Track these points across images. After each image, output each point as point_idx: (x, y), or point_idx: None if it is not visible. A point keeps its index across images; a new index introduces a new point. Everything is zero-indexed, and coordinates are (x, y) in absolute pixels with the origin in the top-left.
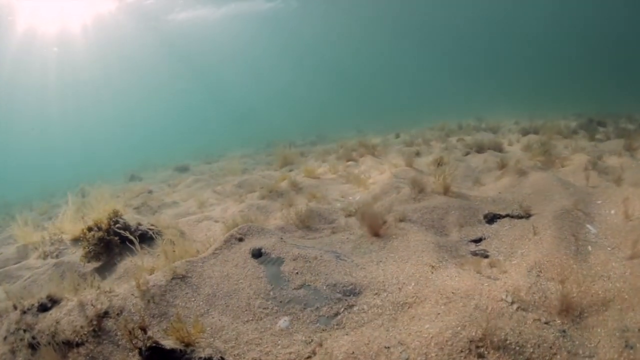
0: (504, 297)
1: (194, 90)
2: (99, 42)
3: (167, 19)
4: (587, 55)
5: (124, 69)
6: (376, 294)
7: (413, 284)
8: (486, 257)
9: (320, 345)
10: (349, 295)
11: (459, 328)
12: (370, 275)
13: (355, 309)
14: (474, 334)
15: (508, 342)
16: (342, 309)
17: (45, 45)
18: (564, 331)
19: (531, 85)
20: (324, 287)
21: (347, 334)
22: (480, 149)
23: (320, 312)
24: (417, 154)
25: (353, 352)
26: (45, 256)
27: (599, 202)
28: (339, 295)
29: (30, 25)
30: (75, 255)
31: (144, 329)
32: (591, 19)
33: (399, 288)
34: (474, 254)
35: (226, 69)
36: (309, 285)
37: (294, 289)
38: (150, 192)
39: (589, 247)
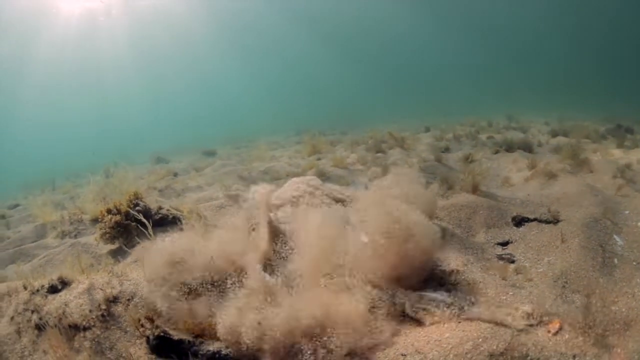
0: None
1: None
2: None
3: None
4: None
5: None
6: None
7: None
8: (512, 262)
9: None
10: None
11: (480, 340)
12: None
13: None
14: (495, 347)
15: (529, 358)
16: None
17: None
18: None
19: (563, 86)
20: None
21: None
22: (509, 148)
23: None
24: (447, 149)
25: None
26: (63, 236)
27: (627, 212)
28: None
29: None
30: (93, 236)
31: (151, 318)
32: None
33: None
34: (500, 257)
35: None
36: None
37: None
38: (175, 175)
39: (615, 260)
